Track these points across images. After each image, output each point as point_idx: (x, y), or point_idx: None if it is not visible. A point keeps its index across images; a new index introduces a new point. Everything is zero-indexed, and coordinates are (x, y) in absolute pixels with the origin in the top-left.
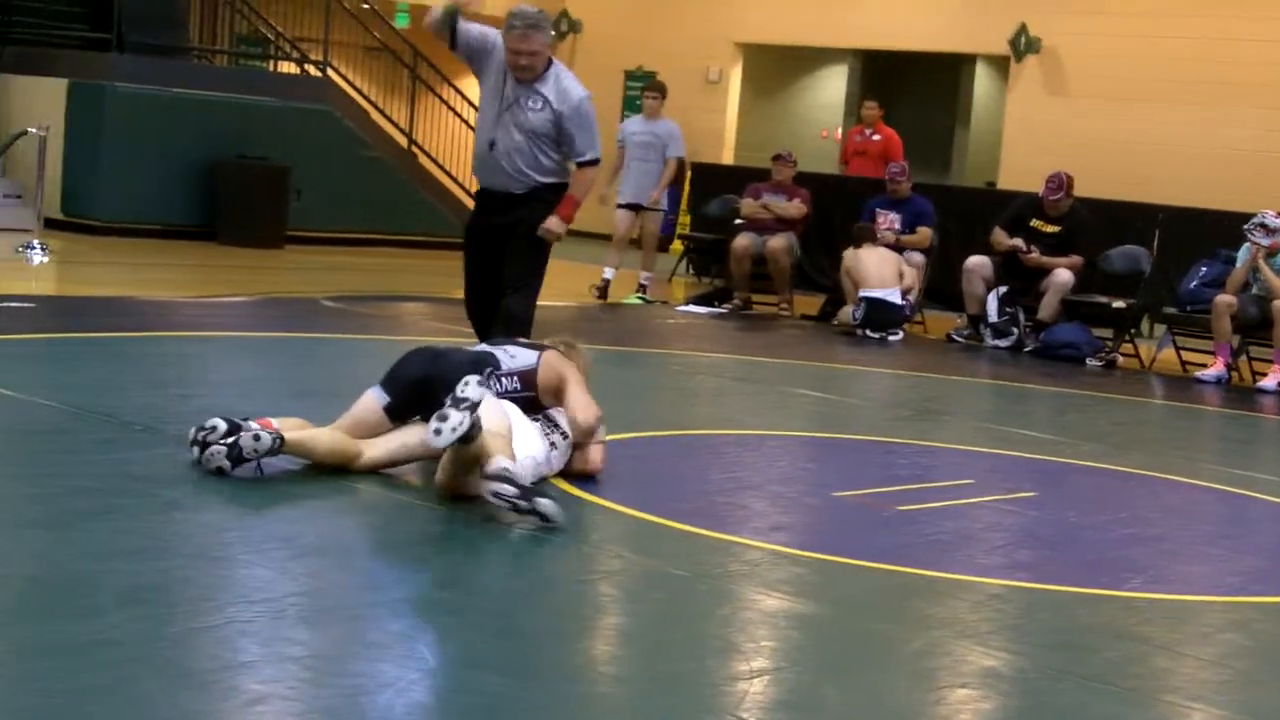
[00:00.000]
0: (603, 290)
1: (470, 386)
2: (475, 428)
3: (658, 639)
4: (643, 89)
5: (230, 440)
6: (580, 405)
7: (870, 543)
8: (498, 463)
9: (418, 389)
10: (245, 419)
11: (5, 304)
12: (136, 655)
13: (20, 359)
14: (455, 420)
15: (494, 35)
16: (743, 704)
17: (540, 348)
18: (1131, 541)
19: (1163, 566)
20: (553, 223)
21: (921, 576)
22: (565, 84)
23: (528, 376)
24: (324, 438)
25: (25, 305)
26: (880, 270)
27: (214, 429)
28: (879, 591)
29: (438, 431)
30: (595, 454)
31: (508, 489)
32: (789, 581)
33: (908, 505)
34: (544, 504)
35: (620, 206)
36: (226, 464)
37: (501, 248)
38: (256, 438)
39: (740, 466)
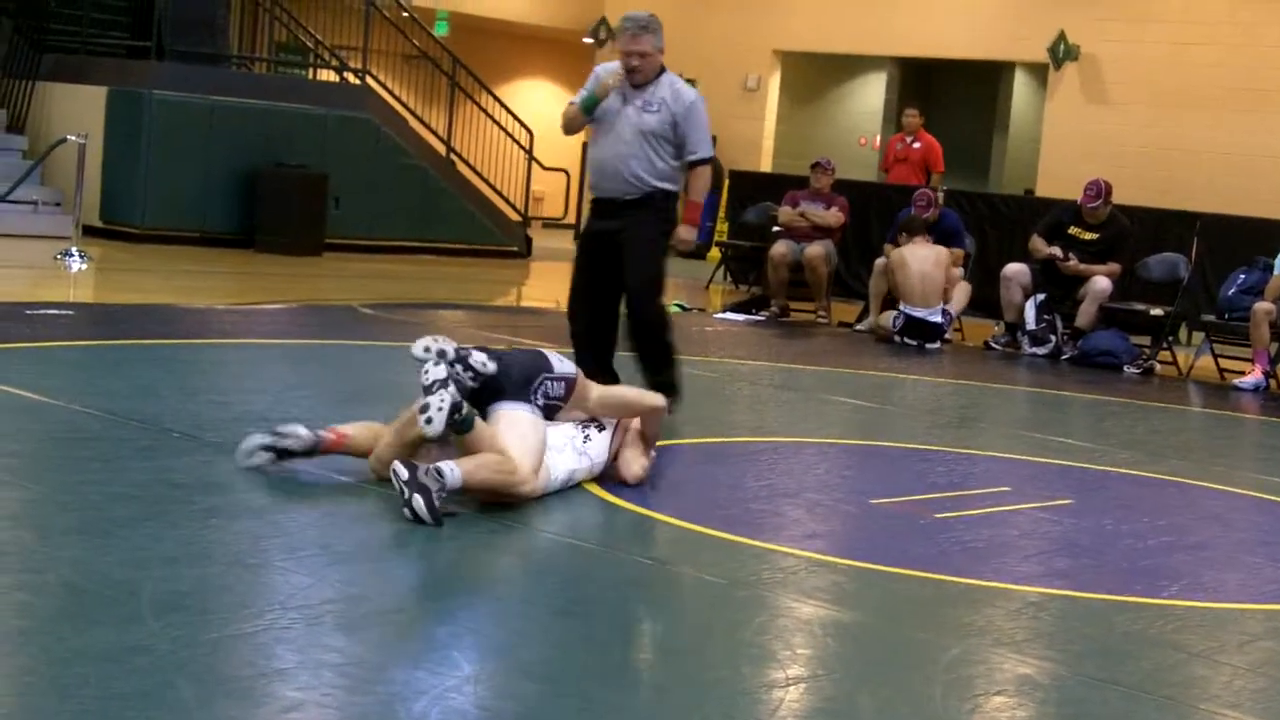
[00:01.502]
0: None
1: (429, 373)
2: (458, 409)
3: (694, 646)
4: None
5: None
6: (640, 395)
7: (907, 550)
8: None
9: (471, 399)
10: (317, 429)
11: (44, 311)
12: (173, 662)
13: (59, 366)
14: (435, 401)
15: (598, 70)
16: (779, 711)
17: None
18: (1169, 549)
19: (1200, 574)
20: (684, 230)
21: (958, 584)
22: (679, 86)
23: (570, 384)
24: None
25: (64, 313)
26: (924, 288)
27: (296, 436)
28: (916, 599)
29: (428, 420)
30: (636, 466)
31: (403, 471)
32: (825, 589)
33: (945, 513)
34: (416, 500)
35: None
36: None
37: (612, 254)
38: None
39: (777, 474)
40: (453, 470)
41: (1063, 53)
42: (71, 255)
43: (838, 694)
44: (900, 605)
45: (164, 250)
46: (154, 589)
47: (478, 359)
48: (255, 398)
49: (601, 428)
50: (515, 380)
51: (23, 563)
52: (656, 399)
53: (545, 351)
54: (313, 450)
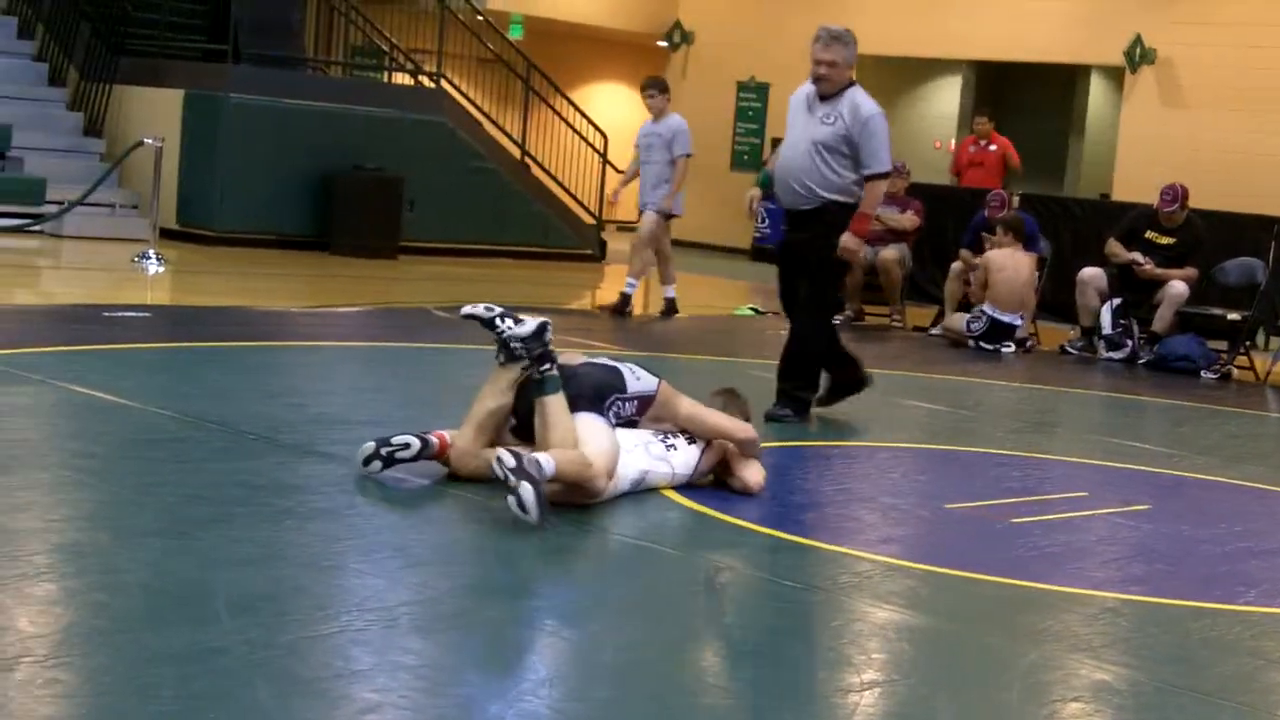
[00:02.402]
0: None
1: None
2: (547, 357)
3: (768, 650)
4: (640, 88)
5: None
6: (730, 425)
7: (982, 555)
8: (525, 453)
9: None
10: (425, 433)
11: (121, 313)
12: (250, 663)
13: (136, 368)
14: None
15: (791, 102)
16: (854, 716)
17: (659, 376)
18: (1246, 555)
19: (1278, 580)
20: (847, 239)
21: (1034, 589)
22: (858, 100)
23: (645, 401)
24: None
25: (141, 315)
26: (1011, 293)
27: (406, 446)
28: (991, 604)
29: (518, 320)
30: (756, 474)
31: (509, 459)
32: (900, 594)
33: (1020, 518)
34: (525, 489)
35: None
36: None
37: (797, 263)
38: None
39: (851, 478)
40: (548, 462)
41: (1139, 56)
42: (149, 258)
43: (913, 699)
44: (976, 610)
45: (240, 253)
46: (230, 590)
47: (524, 317)
48: (330, 400)
49: (691, 440)
50: (588, 393)
51: (99, 563)
52: (747, 430)
53: (621, 367)
54: (421, 456)
